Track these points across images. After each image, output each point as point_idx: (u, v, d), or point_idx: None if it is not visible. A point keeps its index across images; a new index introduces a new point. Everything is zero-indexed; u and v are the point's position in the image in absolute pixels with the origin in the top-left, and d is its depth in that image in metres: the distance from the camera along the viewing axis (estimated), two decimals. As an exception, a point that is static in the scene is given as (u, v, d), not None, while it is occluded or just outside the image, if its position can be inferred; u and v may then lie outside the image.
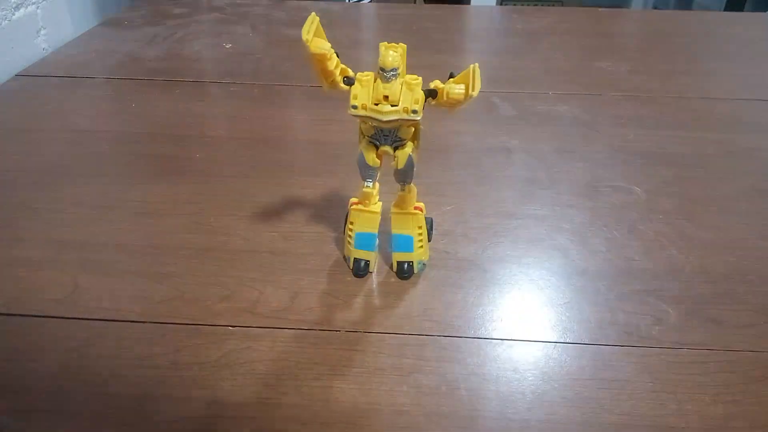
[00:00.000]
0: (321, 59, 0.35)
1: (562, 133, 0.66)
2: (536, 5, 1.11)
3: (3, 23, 0.79)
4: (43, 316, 0.41)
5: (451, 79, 0.37)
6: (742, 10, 1.60)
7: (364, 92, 0.36)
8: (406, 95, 0.36)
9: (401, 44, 0.37)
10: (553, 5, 1.16)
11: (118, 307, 0.42)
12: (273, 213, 0.52)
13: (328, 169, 0.58)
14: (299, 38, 0.33)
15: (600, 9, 1.10)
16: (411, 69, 0.37)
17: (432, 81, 0.37)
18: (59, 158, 0.61)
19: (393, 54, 0.36)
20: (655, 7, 1.99)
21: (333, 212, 0.51)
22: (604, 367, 0.38)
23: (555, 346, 0.39)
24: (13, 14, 0.81)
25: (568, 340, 0.40)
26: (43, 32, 0.88)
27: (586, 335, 0.40)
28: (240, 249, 0.47)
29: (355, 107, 0.37)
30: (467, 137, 0.65)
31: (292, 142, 0.65)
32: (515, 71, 0.83)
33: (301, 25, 0.34)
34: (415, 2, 1.94)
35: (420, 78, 0.37)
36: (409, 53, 0.37)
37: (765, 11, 1.48)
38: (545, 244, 0.49)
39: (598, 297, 0.43)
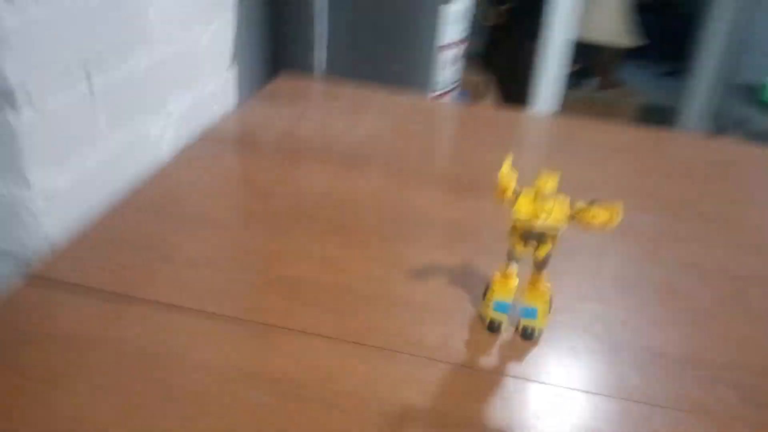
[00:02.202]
0: (507, 190, 0.53)
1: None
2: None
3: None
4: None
5: (594, 205, 0.53)
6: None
7: (526, 205, 0.53)
8: (556, 212, 0.53)
9: (555, 174, 0.53)
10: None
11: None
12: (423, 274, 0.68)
13: (466, 245, 0.75)
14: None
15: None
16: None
17: (576, 202, 0.53)
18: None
19: (552, 184, 0.53)
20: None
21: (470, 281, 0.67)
22: None
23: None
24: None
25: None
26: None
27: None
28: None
29: (519, 216, 0.53)
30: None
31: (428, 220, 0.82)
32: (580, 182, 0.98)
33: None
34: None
35: (568, 200, 0.53)
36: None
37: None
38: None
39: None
